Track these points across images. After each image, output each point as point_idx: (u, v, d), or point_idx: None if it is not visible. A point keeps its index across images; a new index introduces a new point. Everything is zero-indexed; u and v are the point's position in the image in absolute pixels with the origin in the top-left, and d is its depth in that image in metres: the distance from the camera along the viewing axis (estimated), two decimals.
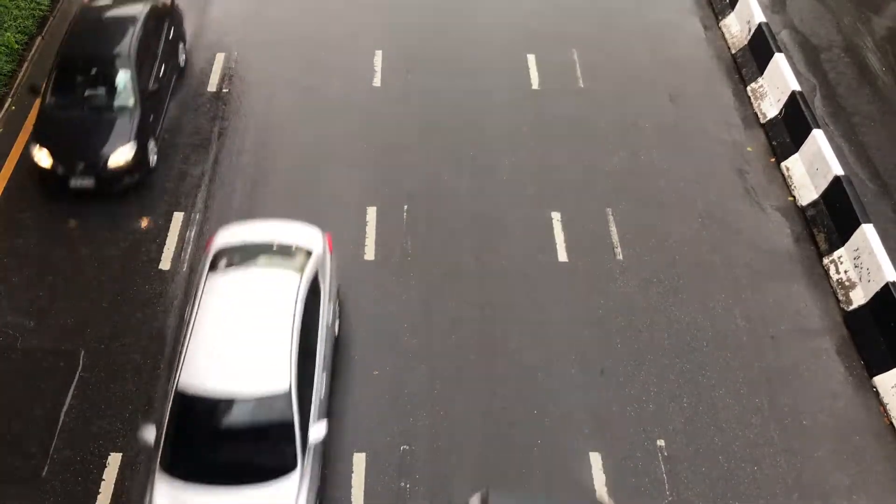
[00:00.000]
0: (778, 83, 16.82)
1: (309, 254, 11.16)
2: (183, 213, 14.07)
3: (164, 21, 15.49)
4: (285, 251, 11.11)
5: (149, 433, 9.78)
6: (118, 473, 10.87)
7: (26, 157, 14.68)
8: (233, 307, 10.25)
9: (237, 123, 15.73)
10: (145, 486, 10.73)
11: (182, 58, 16.45)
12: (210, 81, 16.50)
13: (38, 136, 13.74)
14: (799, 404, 12.40)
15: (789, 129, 16.19)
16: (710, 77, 17.99)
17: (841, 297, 13.77)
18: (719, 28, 19.34)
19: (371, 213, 14.35)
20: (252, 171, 14.87)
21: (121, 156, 13.61)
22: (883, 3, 20.48)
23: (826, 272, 14.23)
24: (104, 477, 10.83)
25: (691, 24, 19.43)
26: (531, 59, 17.86)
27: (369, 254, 13.73)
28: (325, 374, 10.68)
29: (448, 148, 15.69)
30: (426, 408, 11.85)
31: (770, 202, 15.37)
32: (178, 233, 13.75)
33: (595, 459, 11.47)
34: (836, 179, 14.54)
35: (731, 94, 17.64)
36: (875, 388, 12.71)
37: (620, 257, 14.09)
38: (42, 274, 13.02)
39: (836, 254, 14.18)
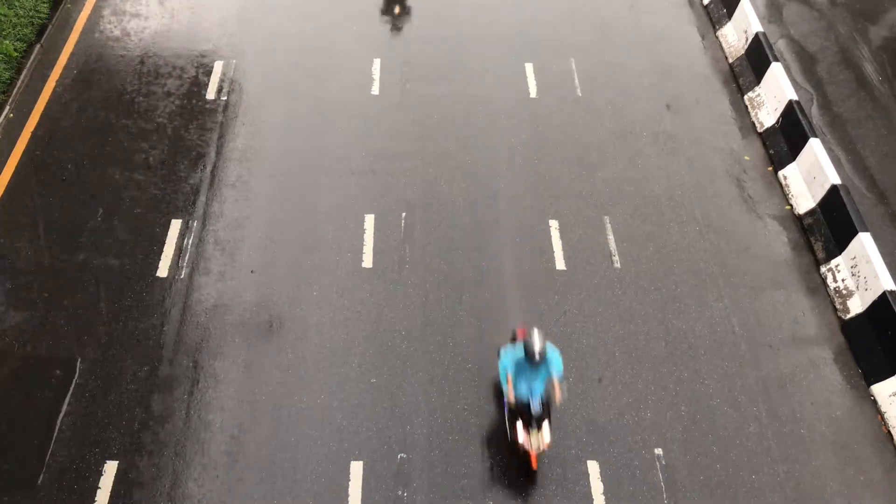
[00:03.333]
0: (775, 92, 16.88)
1: None
2: (180, 220, 14.07)
3: None
4: None
5: None
6: (114, 482, 10.83)
7: (25, 163, 14.70)
8: None
9: (235, 131, 15.76)
10: (142, 495, 10.72)
11: None
12: (209, 89, 16.54)
13: None
14: (797, 413, 12.40)
15: (786, 139, 16.24)
16: (707, 86, 18.05)
17: (838, 306, 13.79)
18: (716, 37, 19.42)
19: (369, 221, 14.36)
20: (250, 179, 14.89)
21: None
22: (879, 12, 20.57)
23: (823, 281, 14.25)
24: (100, 485, 10.79)
25: (688, 33, 19.51)
26: (529, 67, 17.92)
27: (367, 261, 13.73)
28: None
29: (446, 156, 15.72)
30: (423, 415, 11.83)
31: (767, 211, 15.41)
32: (175, 240, 13.75)
33: (593, 467, 11.45)
34: (833, 188, 14.58)
35: (729, 103, 17.70)
36: (873, 396, 12.71)
37: (618, 266, 14.10)
38: (39, 280, 13.01)
39: (833, 262, 14.20)
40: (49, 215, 13.99)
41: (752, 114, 17.34)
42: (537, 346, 10.38)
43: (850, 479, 11.69)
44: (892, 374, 12.50)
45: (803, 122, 15.81)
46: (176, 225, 14.00)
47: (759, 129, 16.99)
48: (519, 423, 10.84)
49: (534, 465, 11.10)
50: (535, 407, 10.73)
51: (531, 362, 10.48)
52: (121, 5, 18.37)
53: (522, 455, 11.09)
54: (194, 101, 16.28)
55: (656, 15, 19.90)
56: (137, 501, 10.68)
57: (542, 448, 10.79)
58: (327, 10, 18.91)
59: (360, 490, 10.99)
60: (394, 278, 13.53)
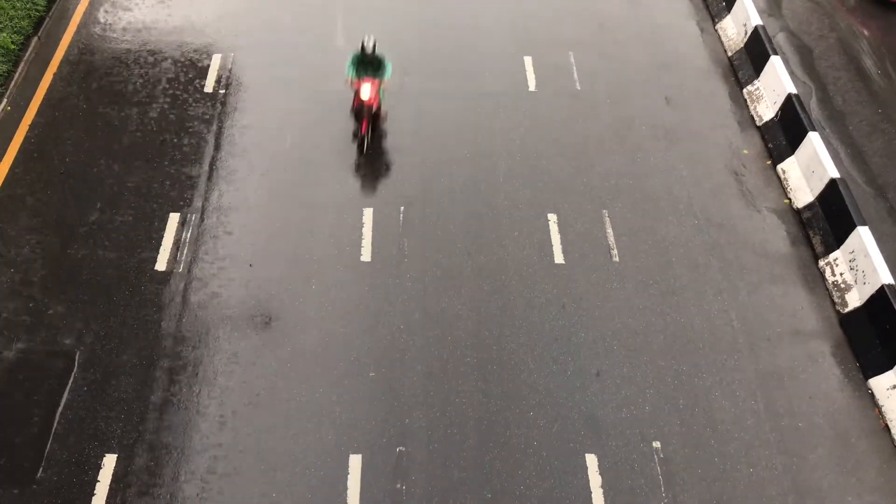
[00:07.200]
0: (774, 86, 16.86)
1: None
2: (179, 213, 14.06)
3: None
4: None
5: None
6: (113, 475, 10.85)
7: (23, 156, 14.68)
8: None
9: (233, 124, 15.73)
10: (141, 488, 10.73)
11: None
12: (206, 82, 16.51)
13: None
14: (794, 406, 12.42)
15: (785, 132, 16.23)
16: (706, 80, 18.03)
17: (836, 300, 13.80)
18: (715, 31, 19.38)
19: (367, 215, 14.35)
20: (248, 172, 14.87)
21: None
22: (878, 5, 20.54)
23: (822, 275, 14.26)
24: (99, 478, 10.81)
25: (688, 26, 19.47)
26: (528, 61, 17.89)
27: (366, 255, 13.73)
28: None
29: (444, 150, 15.70)
30: (422, 409, 11.85)
31: (766, 205, 15.41)
32: (173, 234, 13.74)
33: (591, 461, 11.48)
34: (832, 182, 14.58)
35: (728, 96, 17.69)
36: (870, 390, 12.74)
37: (616, 259, 14.11)
38: (37, 274, 13.00)
39: (831, 256, 14.21)
40: (47, 209, 13.97)
41: (751, 107, 17.32)
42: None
43: (847, 472, 11.72)
44: (889, 368, 12.52)
45: (802, 115, 15.80)
46: (174, 218, 13.99)
47: (758, 123, 16.98)
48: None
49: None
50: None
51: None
52: None
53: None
54: (192, 94, 16.25)
55: (655, 8, 19.86)
56: (136, 495, 10.70)
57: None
58: (325, 2, 18.84)
59: (358, 483, 11.01)
60: (392, 272, 13.53)
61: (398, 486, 11.04)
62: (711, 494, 11.31)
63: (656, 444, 11.75)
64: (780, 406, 12.40)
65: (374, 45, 14.31)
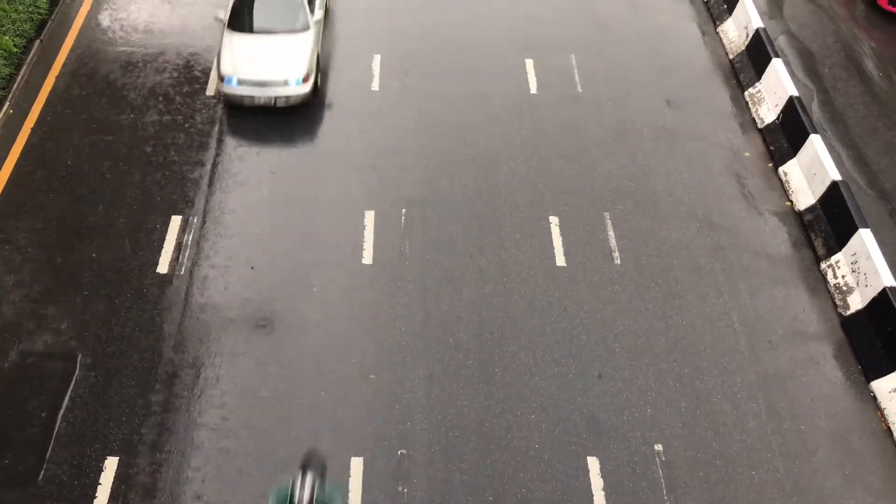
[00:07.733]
0: (775, 88, 16.86)
1: None
2: (180, 216, 14.07)
3: None
4: None
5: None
6: (115, 477, 10.85)
7: (25, 159, 14.70)
8: None
9: (235, 127, 15.75)
10: (142, 491, 10.74)
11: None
12: (209, 85, 16.52)
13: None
14: (796, 409, 12.41)
15: (787, 135, 16.23)
16: (707, 82, 18.04)
17: (838, 302, 13.79)
18: (717, 33, 19.39)
19: (369, 217, 14.36)
20: (250, 175, 14.88)
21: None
22: (879, 8, 20.53)
23: (823, 277, 14.25)
24: (101, 481, 10.81)
25: (689, 29, 19.48)
26: (529, 63, 17.91)
27: (367, 258, 13.73)
28: None
29: (446, 152, 15.71)
30: (423, 412, 11.85)
31: (768, 207, 15.41)
32: (175, 236, 13.75)
33: (593, 464, 11.47)
34: (834, 184, 14.57)
35: (729, 99, 17.69)
36: (872, 392, 12.72)
37: (618, 262, 14.10)
38: (39, 276, 13.01)
39: (833, 258, 14.20)
40: (49, 211, 13.98)
41: (753, 110, 17.32)
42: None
43: (849, 475, 11.71)
44: (891, 371, 12.50)
45: (804, 118, 15.80)
46: (176, 221, 14.00)
47: (760, 125, 16.98)
48: None
49: None
50: None
51: None
52: (120, 1, 18.34)
53: None
54: (195, 97, 16.27)
55: (657, 11, 19.87)
56: (138, 497, 10.70)
57: None
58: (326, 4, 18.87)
59: (360, 486, 11.01)
60: (394, 274, 13.53)
61: (400, 489, 11.04)
62: (713, 497, 11.29)
63: (658, 447, 11.74)
64: (781, 409, 12.39)
65: (313, 494, 8.29)
